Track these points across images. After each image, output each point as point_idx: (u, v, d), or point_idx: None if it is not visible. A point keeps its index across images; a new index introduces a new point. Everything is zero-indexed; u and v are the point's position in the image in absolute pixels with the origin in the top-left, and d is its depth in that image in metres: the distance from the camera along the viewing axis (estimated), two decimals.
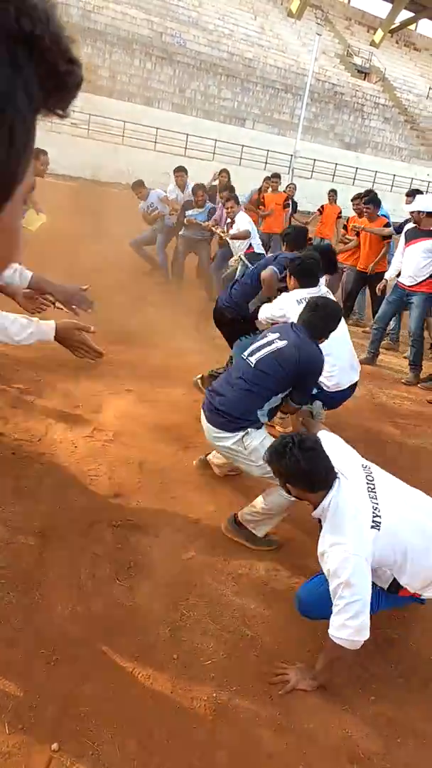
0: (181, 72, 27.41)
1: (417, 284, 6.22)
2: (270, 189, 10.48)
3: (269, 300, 4.51)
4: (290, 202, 10.73)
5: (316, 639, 2.64)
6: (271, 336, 3.38)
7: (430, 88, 40.28)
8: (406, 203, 7.13)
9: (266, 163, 25.43)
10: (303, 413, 3.72)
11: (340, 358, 4.14)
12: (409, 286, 6.15)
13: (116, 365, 5.43)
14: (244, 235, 7.31)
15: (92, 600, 2.69)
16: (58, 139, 17.92)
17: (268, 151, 25.47)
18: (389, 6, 40.70)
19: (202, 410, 3.35)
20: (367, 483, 2.53)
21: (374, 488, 2.51)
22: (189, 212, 8.46)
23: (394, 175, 29.32)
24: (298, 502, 2.73)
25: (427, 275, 6.14)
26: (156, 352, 5.93)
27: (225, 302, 5.00)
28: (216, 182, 9.45)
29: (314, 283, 4.14)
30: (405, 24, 43.25)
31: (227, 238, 7.71)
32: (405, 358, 6.92)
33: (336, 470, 2.46)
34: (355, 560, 2.27)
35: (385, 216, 7.59)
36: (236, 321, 4.94)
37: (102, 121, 21.16)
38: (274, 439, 2.74)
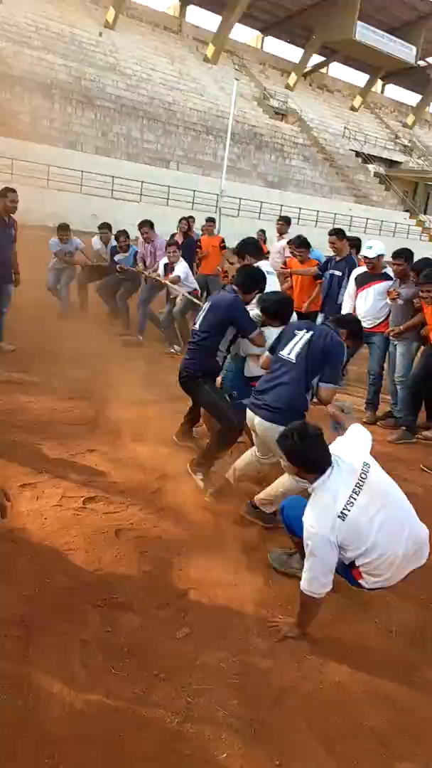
0: (102, 116, 27.67)
1: (376, 325, 6.36)
2: (206, 232, 10.66)
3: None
4: (224, 244, 10.89)
5: (325, 709, 2.54)
6: (301, 333, 3.94)
7: (344, 127, 42.19)
8: (330, 242, 7.20)
9: (193, 202, 25.81)
10: (334, 407, 3.78)
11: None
12: (368, 329, 6.24)
13: (73, 423, 5.26)
14: (176, 281, 7.91)
15: (90, 694, 2.50)
16: None
17: (194, 191, 25.89)
18: (301, 51, 42.65)
19: (253, 413, 3.91)
20: (359, 479, 2.91)
21: (362, 485, 2.89)
22: (116, 257, 9.00)
23: (318, 211, 30.34)
24: None
25: (385, 316, 6.28)
26: (111, 406, 5.77)
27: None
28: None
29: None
30: (317, 67, 45.38)
31: (164, 282, 8.14)
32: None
33: (332, 460, 2.91)
34: (318, 537, 2.79)
35: (317, 258, 7.69)
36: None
37: (26, 165, 21.01)
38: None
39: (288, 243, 8.64)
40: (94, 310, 9.56)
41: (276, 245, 9.75)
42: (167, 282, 8.02)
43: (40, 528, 3.61)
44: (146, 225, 8.79)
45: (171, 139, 29.57)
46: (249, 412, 3.99)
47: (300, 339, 3.91)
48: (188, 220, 10.62)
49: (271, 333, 4.32)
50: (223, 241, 10.82)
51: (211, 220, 10.89)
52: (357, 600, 3.29)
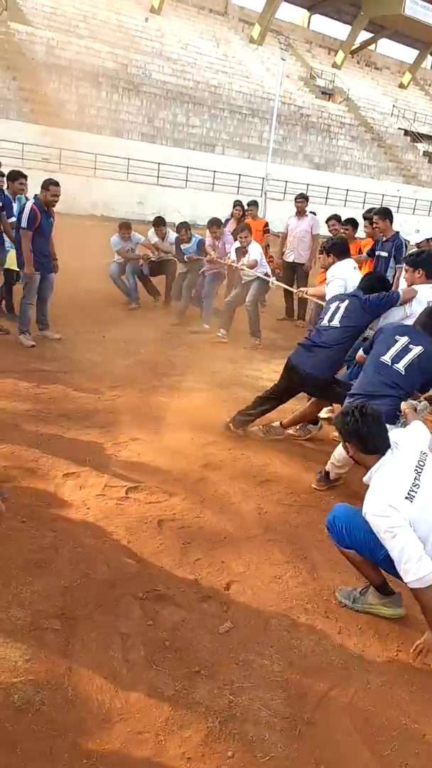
0: (148, 102, 27.58)
1: None
2: (250, 216, 10.45)
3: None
4: (268, 228, 10.69)
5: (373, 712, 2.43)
6: (403, 340, 3.88)
7: (393, 106, 41.04)
8: (374, 223, 6.91)
9: (239, 187, 25.53)
10: (409, 405, 3.63)
11: None
12: None
13: (117, 412, 5.23)
14: (253, 264, 7.69)
15: (130, 691, 2.45)
16: (30, 175, 17.85)
17: (239, 175, 25.60)
18: (348, 28, 41.54)
19: None
20: (418, 463, 2.81)
21: (422, 470, 2.79)
22: (183, 248, 8.80)
23: (365, 193, 29.66)
24: None
25: None
26: (156, 393, 5.74)
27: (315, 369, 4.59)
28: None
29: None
30: (365, 45, 44.22)
31: (241, 268, 7.86)
32: None
33: (391, 443, 2.85)
34: (391, 512, 2.64)
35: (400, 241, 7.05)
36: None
37: (72, 155, 21.12)
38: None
39: (328, 221, 8.42)
40: (146, 299, 9.56)
41: (300, 225, 9.42)
42: (243, 267, 7.75)
43: (83, 518, 3.57)
44: (215, 224, 8.72)
45: (216, 124, 29.30)
46: None
47: (404, 347, 3.85)
48: (242, 206, 10.45)
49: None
50: (267, 224, 10.66)
51: (253, 204, 10.67)
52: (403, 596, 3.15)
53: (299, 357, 4.69)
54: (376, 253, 6.99)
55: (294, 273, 9.47)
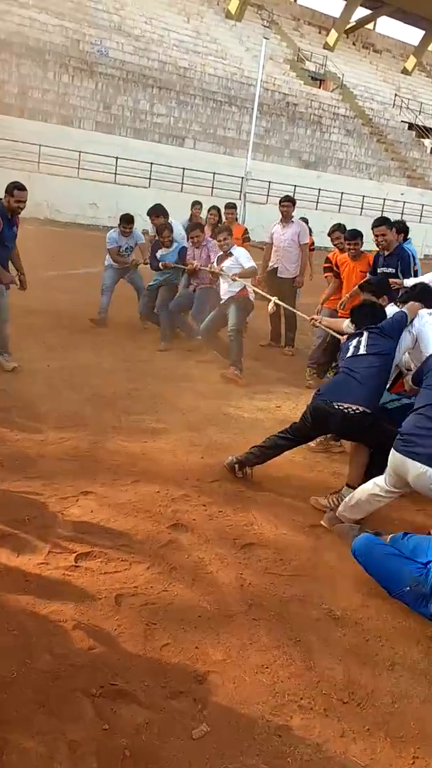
0: (104, 85, 28.04)
1: None
2: (228, 221, 10.61)
3: None
4: (248, 235, 10.86)
5: None
6: None
7: (395, 95, 42.28)
8: (380, 234, 7.20)
9: (213, 187, 25.93)
10: None
11: None
12: None
13: (64, 459, 5.17)
14: (252, 273, 8.17)
15: None
16: None
17: (214, 173, 26.01)
18: (343, 4, 42.91)
19: (403, 454, 4.09)
20: None
21: None
22: (159, 253, 9.09)
23: (363, 196, 30.34)
24: None
25: None
26: (113, 436, 5.69)
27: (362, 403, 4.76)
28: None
29: None
30: (362, 23, 45.69)
31: (230, 278, 8.02)
32: None
33: None
34: None
35: (412, 253, 7.40)
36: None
37: (12, 145, 21.27)
38: None
39: (331, 233, 8.55)
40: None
41: (285, 233, 9.59)
42: (236, 278, 7.97)
43: (21, 592, 3.49)
44: (196, 229, 8.97)
45: (186, 112, 29.88)
46: (399, 455, 4.14)
47: None
48: (219, 211, 10.77)
49: None
50: (246, 231, 10.85)
51: (232, 206, 10.84)
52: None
53: (333, 391, 4.92)
54: (379, 270, 7.18)
55: (279, 289, 9.34)
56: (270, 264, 9.67)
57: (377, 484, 4.39)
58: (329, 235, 8.64)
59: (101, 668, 3.05)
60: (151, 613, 3.47)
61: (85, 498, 4.58)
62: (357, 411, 4.65)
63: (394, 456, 4.19)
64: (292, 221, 9.63)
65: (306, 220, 11.91)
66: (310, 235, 10.67)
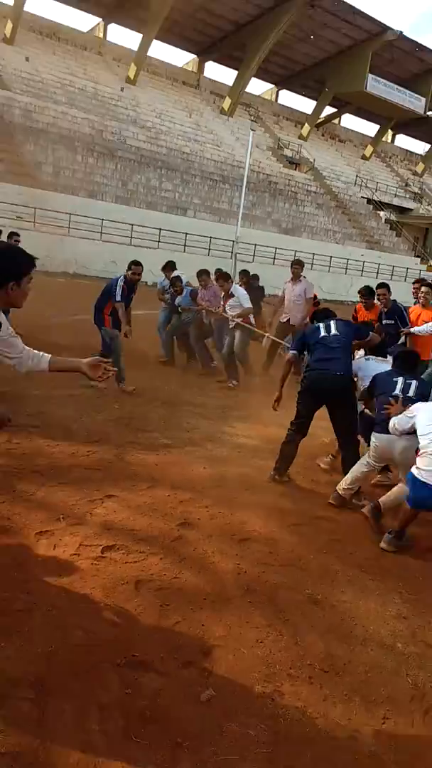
0: (122, 167, 28.23)
1: None
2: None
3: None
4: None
5: None
6: (400, 378, 4.97)
7: (356, 176, 42.77)
8: (381, 294, 7.99)
9: (209, 248, 26.07)
10: None
11: None
12: None
13: (91, 468, 5.11)
14: (248, 312, 8.62)
15: (108, 766, 2.29)
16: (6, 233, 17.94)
17: (210, 237, 26.15)
18: (314, 103, 43.59)
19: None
20: None
21: None
22: (177, 301, 9.45)
23: (331, 257, 30.50)
24: None
25: None
26: (128, 450, 5.64)
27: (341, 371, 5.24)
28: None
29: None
30: (329, 118, 46.29)
31: (231, 319, 8.62)
32: None
33: None
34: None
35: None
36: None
37: (46, 214, 21.39)
38: None
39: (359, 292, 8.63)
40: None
41: (295, 289, 9.69)
42: (234, 319, 8.51)
43: (56, 578, 3.42)
44: (204, 274, 9.25)
45: (189, 188, 30.08)
46: (385, 437, 4.72)
47: (405, 383, 4.92)
48: (246, 274, 11.15)
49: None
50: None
51: (244, 272, 11.36)
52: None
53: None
54: (384, 322, 7.88)
55: (286, 333, 9.74)
56: (284, 316, 9.82)
57: (364, 464, 4.99)
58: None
59: (124, 642, 2.99)
60: (165, 596, 3.41)
61: (109, 500, 4.51)
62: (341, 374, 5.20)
63: (380, 439, 4.77)
64: (300, 280, 9.70)
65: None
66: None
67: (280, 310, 9.99)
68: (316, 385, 5.27)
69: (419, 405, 4.50)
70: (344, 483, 5.02)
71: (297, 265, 9.78)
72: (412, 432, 4.42)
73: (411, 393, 4.82)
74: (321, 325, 5.53)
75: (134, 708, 2.59)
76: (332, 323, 5.51)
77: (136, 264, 7.63)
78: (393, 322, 7.84)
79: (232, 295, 8.58)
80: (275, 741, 2.52)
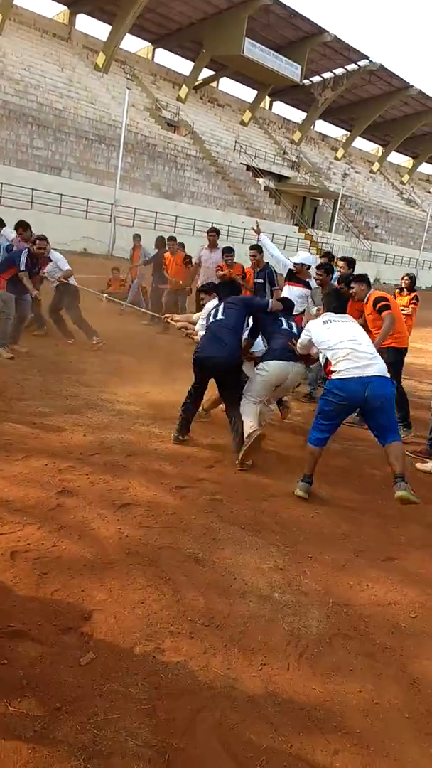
0: None
1: None
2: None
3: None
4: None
5: None
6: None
7: (235, 141, 42.99)
8: (251, 256, 8.97)
9: (87, 211, 25.36)
10: None
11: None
12: None
13: None
14: (69, 274, 8.89)
15: None
16: None
17: (87, 200, 25.43)
18: (191, 64, 43.09)
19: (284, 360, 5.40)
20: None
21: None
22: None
23: (212, 223, 30.57)
24: None
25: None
26: (5, 419, 5.45)
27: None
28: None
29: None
30: (207, 81, 46.00)
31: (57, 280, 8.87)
32: None
33: None
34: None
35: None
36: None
37: None
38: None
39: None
40: None
41: (212, 257, 10.04)
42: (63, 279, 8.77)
43: None
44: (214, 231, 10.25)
45: (62, 147, 28.98)
46: (283, 363, 5.37)
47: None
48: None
49: None
50: (187, 258, 11.53)
51: (171, 239, 11.83)
52: None
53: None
54: (255, 281, 8.89)
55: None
56: (201, 282, 9.87)
57: (250, 404, 5.41)
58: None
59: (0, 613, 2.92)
60: (43, 565, 3.36)
61: None
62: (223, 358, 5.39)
63: (277, 365, 5.37)
64: (217, 248, 10.13)
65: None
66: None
67: (198, 276, 10.41)
68: (202, 363, 5.49)
69: (310, 325, 5.12)
70: (248, 428, 5.25)
71: (213, 233, 10.32)
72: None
73: (295, 330, 5.61)
74: (219, 307, 5.71)
75: (11, 678, 2.54)
76: (221, 308, 5.68)
77: (41, 239, 7.98)
78: (262, 281, 8.83)
79: (49, 260, 8.75)
80: (156, 696, 2.58)
